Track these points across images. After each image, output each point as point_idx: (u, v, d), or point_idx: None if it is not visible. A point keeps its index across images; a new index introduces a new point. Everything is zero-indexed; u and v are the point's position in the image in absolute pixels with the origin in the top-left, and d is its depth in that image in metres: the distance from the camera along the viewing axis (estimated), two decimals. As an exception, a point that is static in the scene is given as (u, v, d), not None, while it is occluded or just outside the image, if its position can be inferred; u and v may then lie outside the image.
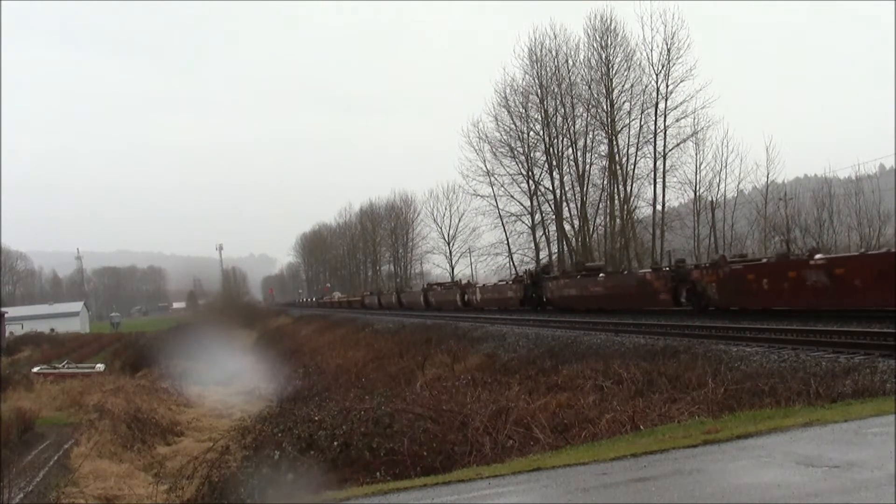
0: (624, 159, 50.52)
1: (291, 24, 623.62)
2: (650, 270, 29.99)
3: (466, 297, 47.03)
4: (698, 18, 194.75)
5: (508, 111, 55.26)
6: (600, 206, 52.75)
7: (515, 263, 59.36)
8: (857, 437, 6.59)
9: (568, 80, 52.61)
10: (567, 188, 54.00)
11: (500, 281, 48.28)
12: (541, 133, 54.41)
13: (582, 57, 51.83)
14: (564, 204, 54.07)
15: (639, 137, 50.18)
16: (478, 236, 70.90)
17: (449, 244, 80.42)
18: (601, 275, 32.13)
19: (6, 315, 70.48)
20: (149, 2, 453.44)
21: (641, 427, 9.97)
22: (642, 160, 50.31)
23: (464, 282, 56.95)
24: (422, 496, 6.31)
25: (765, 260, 23.94)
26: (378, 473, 9.98)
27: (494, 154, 56.91)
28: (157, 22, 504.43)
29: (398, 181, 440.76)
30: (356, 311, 71.13)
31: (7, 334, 68.66)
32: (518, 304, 38.10)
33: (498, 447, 10.39)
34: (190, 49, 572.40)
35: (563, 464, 6.83)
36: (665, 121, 48.41)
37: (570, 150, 53.62)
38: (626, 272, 33.99)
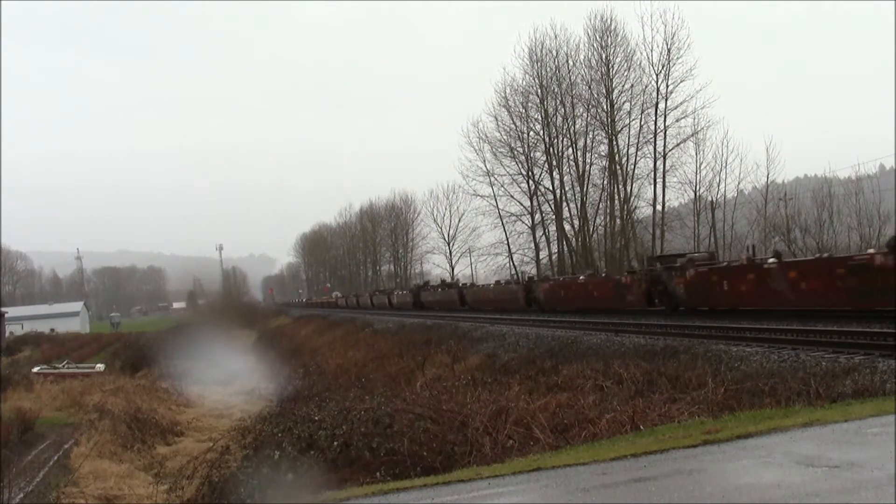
0: (624, 159, 50.56)
1: (291, 23, 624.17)
2: (626, 273, 31.35)
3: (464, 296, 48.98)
4: (698, 18, 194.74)
5: (508, 111, 55.34)
6: (600, 206, 52.80)
7: (515, 263, 59.48)
8: (857, 437, 6.59)
9: (568, 80, 52.65)
10: (567, 188, 54.07)
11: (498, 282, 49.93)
12: (541, 133, 54.46)
13: (582, 57, 51.89)
14: (564, 204, 54.10)
15: (639, 137, 50.23)
16: (478, 236, 70.98)
17: (449, 244, 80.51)
18: (581, 277, 34.83)
19: (6, 315, 70.50)
20: (149, 2, 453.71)
21: (641, 427, 9.97)
22: (642, 160, 50.38)
23: (461, 283, 59.29)
24: (422, 496, 6.32)
25: (725, 263, 25.86)
26: (378, 473, 9.98)
27: (494, 154, 56.99)
28: (157, 22, 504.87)
29: (398, 181, 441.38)
30: (354, 311, 71.35)
31: (7, 334, 68.67)
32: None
33: (498, 447, 10.39)
34: (190, 49, 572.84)
35: (563, 464, 6.83)
36: (665, 121, 48.45)
37: (570, 150, 53.68)
38: (604, 275, 36.02)
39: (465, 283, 57.45)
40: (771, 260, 22.42)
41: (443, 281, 61.88)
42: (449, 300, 50.62)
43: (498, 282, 49.22)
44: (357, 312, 67.62)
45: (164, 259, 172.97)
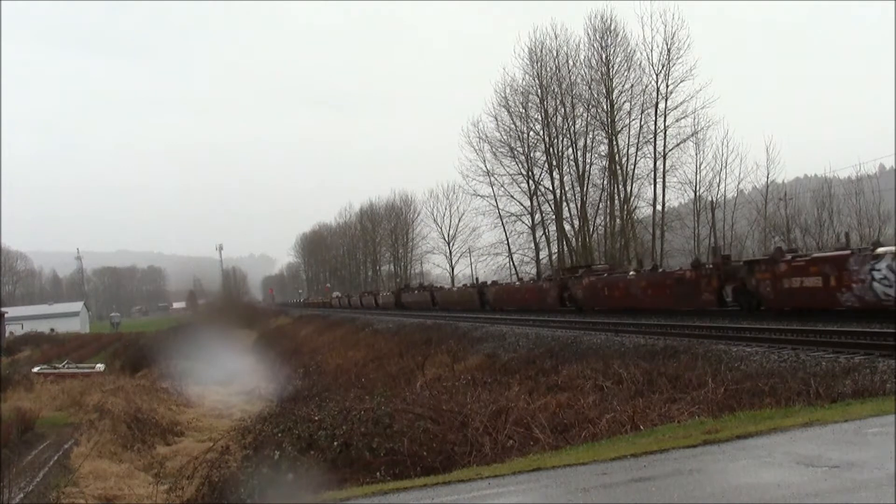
0: (624, 159, 50.57)
1: (291, 24, 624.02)
2: (544, 278, 37.26)
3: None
4: (698, 18, 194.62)
5: (508, 111, 55.34)
6: (600, 206, 52.81)
7: (515, 263, 59.48)
8: (857, 437, 6.60)
9: (568, 80, 52.66)
10: (567, 188, 54.08)
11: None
12: (541, 133, 54.46)
13: (582, 57, 51.91)
14: (564, 204, 54.10)
15: (639, 137, 50.25)
16: (478, 236, 71.00)
17: (449, 244, 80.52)
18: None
19: (6, 315, 70.49)
20: (149, 2, 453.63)
21: (641, 427, 9.97)
22: (642, 160, 50.40)
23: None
24: (422, 496, 6.32)
25: (605, 274, 31.92)
26: (378, 473, 9.98)
27: (494, 154, 57.01)
28: (157, 22, 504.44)
29: (398, 181, 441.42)
30: (345, 310, 71.64)
31: (7, 334, 68.66)
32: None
33: (498, 447, 10.38)
34: (190, 49, 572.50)
35: (563, 464, 6.84)
36: (665, 121, 48.48)
37: (570, 150, 53.69)
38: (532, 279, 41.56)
39: (440, 286, 63.76)
40: (631, 273, 29.79)
41: (420, 284, 68.59)
42: (424, 301, 55.92)
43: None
44: (350, 312, 69.85)
45: (164, 259, 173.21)
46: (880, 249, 18.54)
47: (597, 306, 31.01)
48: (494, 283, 48.07)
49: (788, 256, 21.57)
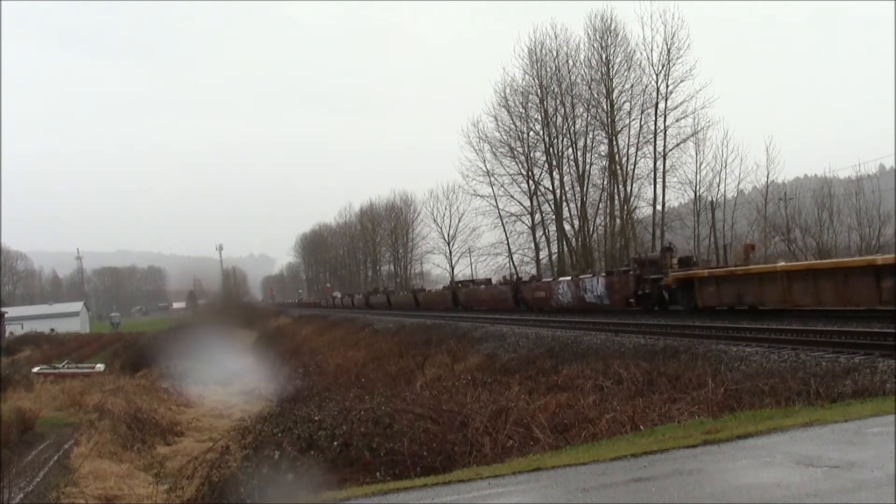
0: (624, 159, 50.52)
1: (291, 24, 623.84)
2: (501, 283, 47.29)
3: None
4: (699, 18, 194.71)
5: (508, 111, 55.30)
6: (600, 206, 52.77)
7: (515, 263, 59.48)
8: (857, 437, 6.60)
9: (568, 80, 52.61)
10: (567, 188, 54.04)
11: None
12: (541, 133, 54.42)
13: (582, 57, 51.84)
14: (564, 204, 54.08)
15: (639, 137, 50.20)
16: (478, 236, 71.00)
17: (449, 244, 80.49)
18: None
19: (6, 315, 70.43)
20: (149, 2, 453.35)
21: (641, 427, 9.97)
22: (642, 160, 50.34)
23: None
24: (422, 496, 6.32)
25: (483, 287, 46.61)
26: (378, 473, 9.98)
27: (494, 154, 56.97)
28: (158, 23, 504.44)
29: (398, 181, 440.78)
30: (355, 311, 71.80)
31: (7, 334, 68.62)
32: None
33: (498, 447, 10.38)
34: (190, 50, 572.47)
35: (563, 464, 6.84)
36: (665, 121, 48.41)
37: (570, 150, 53.64)
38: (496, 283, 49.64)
39: (421, 288, 70.56)
40: (482, 288, 45.12)
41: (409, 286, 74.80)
42: (408, 302, 61.72)
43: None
44: (345, 311, 71.89)
45: (164, 259, 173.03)
46: (560, 278, 38.43)
47: (534, 306, 38.19)
48: (466, 284, 52.91)
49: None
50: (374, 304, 70.73)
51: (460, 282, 55.87)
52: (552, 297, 35.79)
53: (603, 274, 32.46)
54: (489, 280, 53.11)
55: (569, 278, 36.19)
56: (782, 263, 24.01)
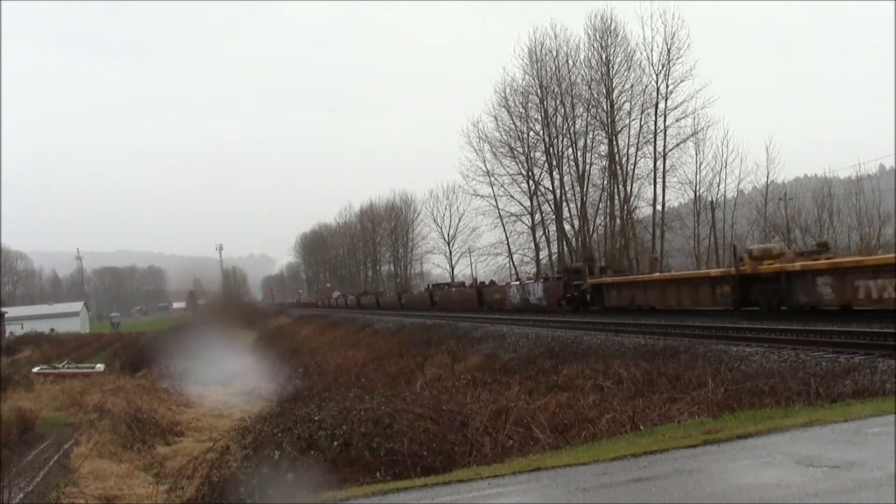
0: (624, 159, 50.55)
1: (291, 25, 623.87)
2: (469, 286, 52.74)
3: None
4: (699, 18, 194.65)
5: (508, 111, 55.31)
6: (600, 206, 52.80)
7: (515, 263, 59.52)
8: (857, 437, 6.60)
9: (568, 80, 52.62)
10: (567, 188, 54.06)
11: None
12: (541, 133, 54.44)
13: (582, 57, 51.87)
14: (564, 204, 54.10)
15: (639, 137, 50.23)
16: (478, 236, 71.04)
17: (449, 244, 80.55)
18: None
19: (6, 315, 70.41)
20: (149, 2, 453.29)
21: (641, 427, 9.97)
22: (642, 160, 50.37)
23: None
24: (422, 496, 6.32)
25: (455, 290, 52.96)
26: (378, 473, 9.98)
27: (494, 154, 56.98)
28: (158, 23, 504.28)
29: (398, 181, 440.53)
30: (351, 311, 72.21)
31: (7, 334, 68.60)
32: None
33: (498, 447, 10.38)
34: (190, 50, 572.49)
35: (563, 464, 6.84)
36: (665, 121, 48.46)
37: (570, 150, 53.66)
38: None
39: (407, 291, 73.66)
40: (454, 289, 52.05)
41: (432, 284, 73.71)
42: (393, 303, 66.66)
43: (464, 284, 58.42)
44: (343, 311, 73.56)
45: (164, 259, 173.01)
46: (512, 283, 44.38)
47: (493, 306, 43.05)
48: (441, 287, 59.03)
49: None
50: (364, 304, 75.65)
51: (437, 285, 62.57)
52: (506, 299, 41.40)
53: (541, 280, 40.26)
54: (463, 283, 59.71)
55: (518, 283, 43.12)
56: (657, 275, 29.57)
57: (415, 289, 77.26)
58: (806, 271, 19.63)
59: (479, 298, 45.49)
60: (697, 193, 48.16)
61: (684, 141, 48.10)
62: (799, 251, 23.77)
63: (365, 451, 10.64)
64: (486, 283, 50.96)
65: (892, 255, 17.98)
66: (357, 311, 69.34)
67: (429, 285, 67.12)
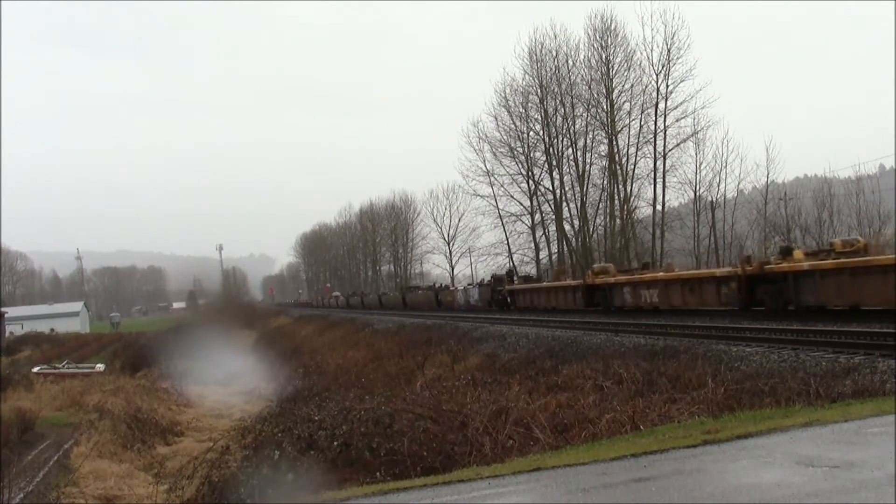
0: (624, 159, 50.58)
1: (291, 24, 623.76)
2: (428, 288, 60.35)
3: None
4: (699, 18, 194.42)
5: (508, 111, 55.36)
6: (600, 206, 52.81)
7: (515, 263, 59.48)
8: (857, 437, 6.60)
9: (568, 80, 52.66)
10: (567, 188, 54.09)
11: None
12: (541, 133, 54.47)
13: (582, 57, 51.92)
14: (564, 204, 54.12)
15: (639, 137, 50.26)
16: (478, 236, 71.00)
17: (449, 244, 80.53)
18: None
19: (6, 315, 70.46)
20: (149, 2, 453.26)
21: (641, 427, 9.97)
22: (642, 160, 50.41)
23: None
24: (422, 496, 6.32)
25: (420, 292, 59.93)
26: (378, 473, 9.98)
27: (494, 154, 57.04)
28: (157, 23, 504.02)
29: (398, 181, 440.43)
30: (362, 311, 72.31)
31: (7, 334, 68.62)
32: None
33: (498, 447, 10.38)
34: (190, 50, 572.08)
35: (563, 464, 6.83)
36: (665, 121, 48.49)
37: (570, 150, 53.70)
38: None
39: (384, 293, 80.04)
40: (420, 292, 58.44)
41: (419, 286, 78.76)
42: (374, 304, 73.06)
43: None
44: (341, 311, 74.85)
45: (164, 259, 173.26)
46: (459, 287, 54.50)
47: (447, 307, 50.97)
48: (411, 289, 67.40)
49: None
50: (352, 304, 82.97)
51: (409, 287, 72.39)
52: (455, 300, 50.96)
53: (477, 286, 49.45)
54: (431, 286, 65.33)
55: (462, 288, 54.02)
56: (545, 283, 39.31)
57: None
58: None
59: (437, 300, 54.48)
60: (697, 193, 48.25)
61: (684, 141, 48.19)
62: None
63: (365, 451, 10.65)
64: (443, 286, 61.12)
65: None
66: (349, 311, 71.12)
67: (401, 288, 74.94)
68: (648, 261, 39.60)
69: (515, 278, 45.91)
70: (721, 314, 23.22)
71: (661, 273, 28.80)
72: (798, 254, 21.20)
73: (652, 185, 49.46)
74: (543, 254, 57.11)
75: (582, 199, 52.90)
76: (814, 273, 19.47)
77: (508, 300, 41.79)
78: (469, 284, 54.15)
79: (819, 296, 19.47)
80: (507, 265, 60.60)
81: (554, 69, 52.93)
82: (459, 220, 78.95)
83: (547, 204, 55.51)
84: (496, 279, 46.06)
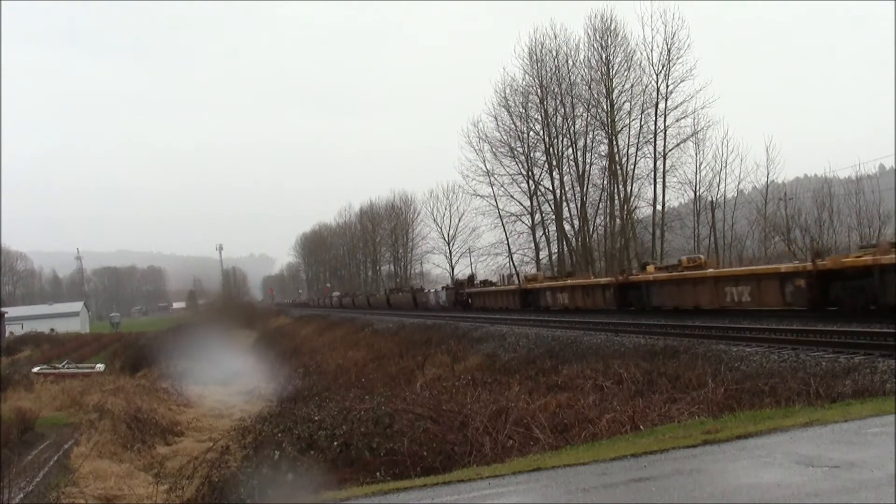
0: (624, 159, 50.57)
1: (291, 25, 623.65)
2: (406, 290, 67.77)
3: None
4: (699, 18, 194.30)
5: (508, 111, 55.37)
6: (600, 206, 52.82)
7: (515, 263, 59.55)
8: (857, 437, 6.60)
9: (568, 80, 52.67)
10: (567, 188, 54.11)
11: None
12: (541, 133, 54.49)
13: (582, 57, 51.92)
14: (564, 204, 54.13)
15: (639, 137, 50.26)
16: (478, 236, 71.06)
17: (449, 244, 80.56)
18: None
19: (6, 315, 70.44)
20: (149, 2, 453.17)
21: (641, 427, 9.97)
22: (642, 160, 50.41)
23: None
24: (422, 496, 6.32)
25: (401, 293, 67.67)
26: (378, 473, 9.98)
27: (494, 154, 57.06)
28: (157, 23, 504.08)
29: (398, 181, 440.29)
30: (355, 310, 72.39)
31: (7, 334, 68.62)
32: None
33: (498, 447, 10.38)
34: (190, 50, 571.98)
35: (563, 464, 6.83)
36: (665, 121, 48.49)
37: (570, 150, 53.71)
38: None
39: (372, 294, 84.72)
40: (401, 293, 67.19)
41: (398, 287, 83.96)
42: (363, 304, 78.02)
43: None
44: (340, 311, 75.25)
45: (164, 259, 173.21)
46: (431, 289, 63.03)
47: (422, 307, 56.28)
48: (395, 291, 73.66)
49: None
50: (345, 304, 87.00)
51: (392, 289, 77.54)
52: (428, 301, 57.18)
53: (444, 289, 56.44)
54: (410, 289, 71.24)
55: (434, 290, 60.77)
56: (493, 288, 47.55)
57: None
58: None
59: (414, 300, 60.41)
60: (697, 193, 48.24)
61: (684, 141, 48.19)
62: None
63: (365, 451, 10.65)
64: (420, 289, 67.37)
65: None
66: (345, 311, 72.44)
67: (386, 290, 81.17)
68: (648, 261, 39.72)
69: (476, 282, 52.84)
70: (720, 314, 23.23)
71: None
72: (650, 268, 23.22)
73: (652, 185, 49.53)
74: (543, 254, 57.20)
75: (582, 199, 52.95)
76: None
77: (469, 301, 48.57)
78: (441, 287, 61.58)
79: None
80: (508, 265, 60.73)
81: (554, 69, 53.01)
82: (459, 220, 79.10)
83: (547, 204, 55.57)
84: (458, 283, 54.63)
